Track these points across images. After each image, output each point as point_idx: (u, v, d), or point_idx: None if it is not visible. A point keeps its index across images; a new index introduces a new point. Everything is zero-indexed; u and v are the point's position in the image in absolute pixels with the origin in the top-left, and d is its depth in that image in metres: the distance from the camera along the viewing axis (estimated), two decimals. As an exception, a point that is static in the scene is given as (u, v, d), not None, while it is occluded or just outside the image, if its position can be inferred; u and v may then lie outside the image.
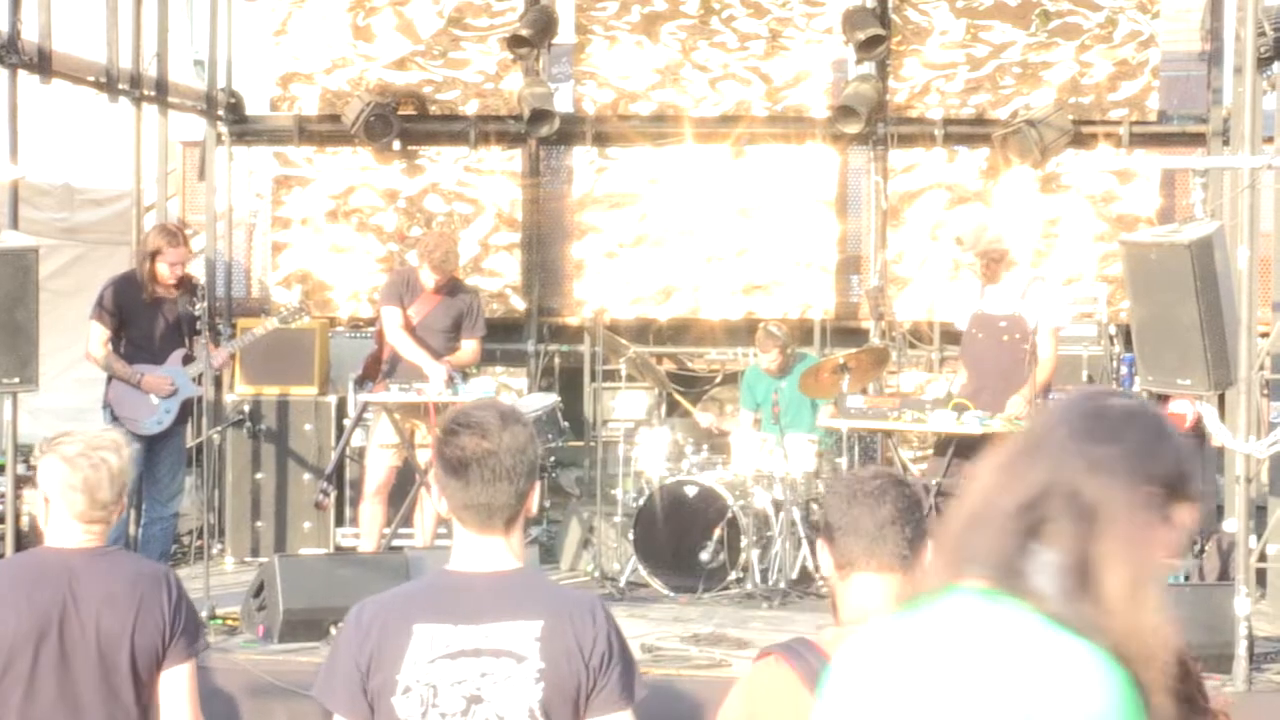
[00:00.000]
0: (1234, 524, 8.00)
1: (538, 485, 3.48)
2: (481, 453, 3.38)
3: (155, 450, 9.60)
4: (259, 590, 8.46)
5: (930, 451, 9.57)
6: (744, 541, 9.63)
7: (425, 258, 9.73)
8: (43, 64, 9.59)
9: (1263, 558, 8.62)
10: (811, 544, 9.93)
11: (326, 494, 10.07)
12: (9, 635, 4.12)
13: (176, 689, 4.31)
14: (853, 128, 12.02)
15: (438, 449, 3.46)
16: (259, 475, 11.08)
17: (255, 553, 10.89)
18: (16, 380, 8.24)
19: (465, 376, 9.85)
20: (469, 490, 3.39)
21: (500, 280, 12.74)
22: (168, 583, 4.33)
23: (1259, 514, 8.60)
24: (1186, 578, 9.90)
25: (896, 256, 12.41)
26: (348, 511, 10.93)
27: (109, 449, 4.29)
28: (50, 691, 4.15)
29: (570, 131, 12.53)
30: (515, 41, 12.07)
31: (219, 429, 10.76)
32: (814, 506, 10.12)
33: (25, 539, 9.62)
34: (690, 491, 9.88)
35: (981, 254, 9.00)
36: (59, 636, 4.15)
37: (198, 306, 9.58)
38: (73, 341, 11.70)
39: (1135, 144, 12.07)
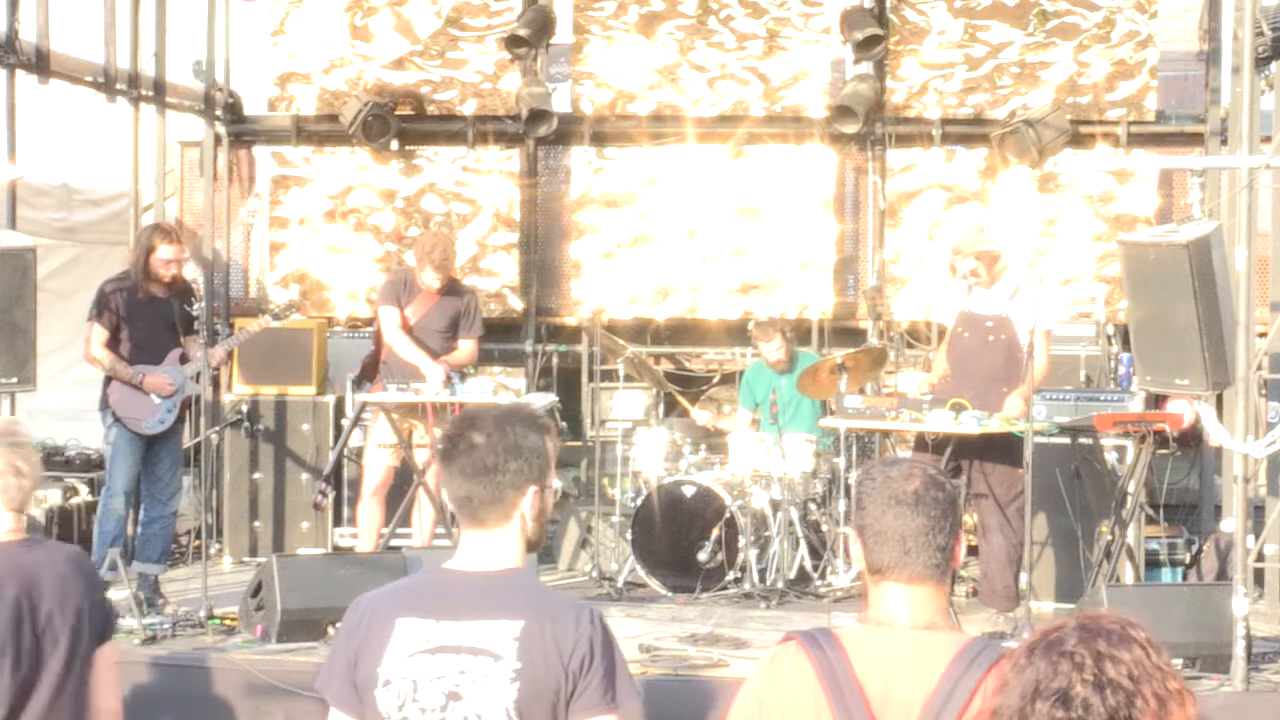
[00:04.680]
0: (1232, 524, 8.00)
1: (535, 488, 3.45)
2: (466, 445, 3.42)
3: (155, 449, 9.59)
4: (257, 590, 8.46)
5: (913, 449, 9.53)
6: (742, 541, 9.63)
7: (425, 259, 9.72)
8: (41, 64, 9.59)
9: (1260, 558, 8.62)
10: (810, 544, 9.95)
11: (324, 494, 10.06)
12: None
13: (111, 664, 4.47)
14: (850, 127, 12.03)
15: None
16: (257, 475, 11.09)
17: (253, 553, 10.90)
18: (14, 380, 8.24)
19: (463, 376, 9.85)
20: (451, 483, 3.45)
21: (498, 280, 12.73)
22: (90, 564, 4.53)
23: (1257, 514, 8.60)
24: (1185, 577, 9.92)
25: (894, 256, 12.41)
26: (345, 511, 10.93)
27: (24, 431, 4.47)
28: (28, 680, 4.22)
29: (568, 131, 12.53)
30: (513, 41, 12.07)
31: (217, 429, 10.76)
32: (811, 506, 10.14)
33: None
34: (688, 491, 9.88)
35: (978, 256, 8.99)
36: (32, 627, 4.24)
37: (196, 306, 9.58)
38: (70, 341, 11.70)
39: (1133, 144, 12.08)
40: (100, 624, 4.41)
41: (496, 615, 3.38)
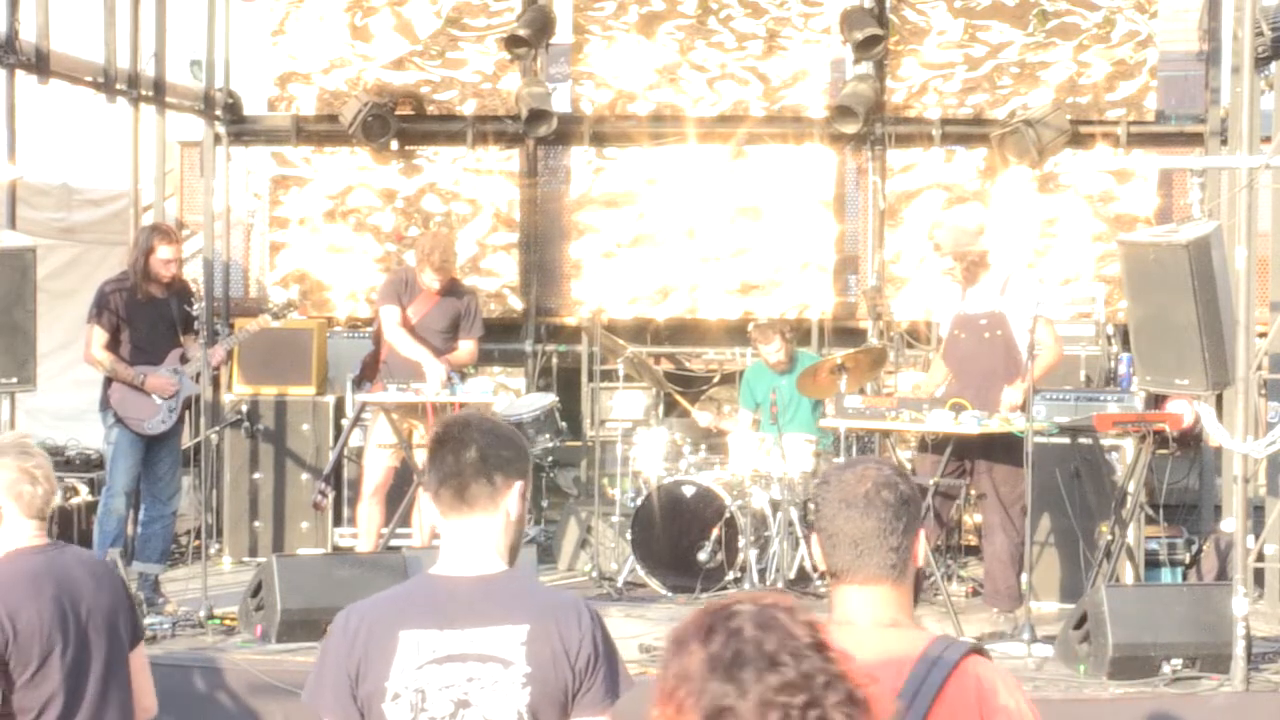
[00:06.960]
0: (1232, 524, 8.01)
1: (521, 484, 3.49)
2: (456, 427, 3.48)
3: (155, 449, 9.60)
4: (257, 590, 8.47)
5: (915, 449, 9.54)
6: (741, 541, 9.63)
7: (425, 260, 9.71)
8: (40, 64, 9.58)
9: (1260, 558, 8.63)
10: (810, 544, 9.95)
11: (324, 494, 10.06)
12: (35, 633, 4.33)
13: (145, 664, 4.65)
14: (850, 128, 12.03)
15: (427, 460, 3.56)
16: (257, 475, 11.09)
17: (253, 553, 10.90)
18: (14, 380, 8.24)
19: (463, 376, 9.85)
20: (443, 465, 3.45)
21: (498, 280, 12.74)
22: (113, 569, 4.70)
23: (1257, 514, 8.61)
24: (1185, 577, 9.92)
25: (894, 256, 12.42)
26: (345, 511, 10.93)
27: (31, 440, 4.64)
28: (79, 675, 4.38)
29: (568, 131, 12.53)
30: (513, 41, 12.07)
31: (217, 429, 10.76)
32: (811, 506, 10.13)
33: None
34: (688, 491, 9.88)
35: (960, 257, 8.97)
36: (76, 624, 4.38)
37: (196, 307, 9.58)
38: (70, 342, 11.71)
39: (1133, 144, 12.08)
40: (134, 626, 4.60)
41: (501, 621, 3.39)
